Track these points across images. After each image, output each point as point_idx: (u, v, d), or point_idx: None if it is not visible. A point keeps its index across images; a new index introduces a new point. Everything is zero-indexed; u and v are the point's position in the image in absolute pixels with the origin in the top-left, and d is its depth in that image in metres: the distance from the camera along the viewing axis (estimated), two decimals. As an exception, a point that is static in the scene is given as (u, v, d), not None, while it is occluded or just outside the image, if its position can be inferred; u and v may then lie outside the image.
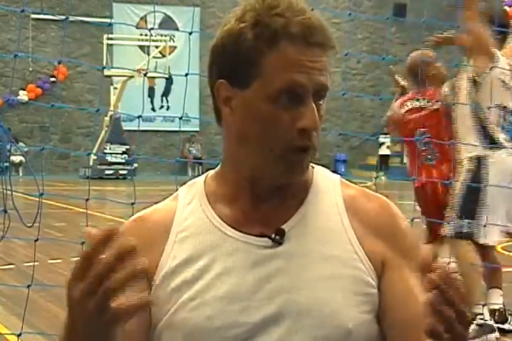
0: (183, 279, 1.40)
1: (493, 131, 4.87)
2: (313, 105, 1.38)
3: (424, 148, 5.75)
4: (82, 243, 4.24)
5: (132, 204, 4.03)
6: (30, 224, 4.68)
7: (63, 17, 22.50)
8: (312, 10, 1.40)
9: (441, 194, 5.75)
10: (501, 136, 4.89)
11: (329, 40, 1.39)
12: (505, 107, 4.91)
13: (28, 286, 4.17)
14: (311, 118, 1.37)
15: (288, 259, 1.39)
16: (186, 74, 4.64)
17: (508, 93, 4.89)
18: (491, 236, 5.00)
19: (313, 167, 1.49)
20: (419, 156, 5.68)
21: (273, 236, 1.40)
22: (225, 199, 1.46)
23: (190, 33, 5.15)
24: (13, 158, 22.36)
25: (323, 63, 1.38)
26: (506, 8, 26.17)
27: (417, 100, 5.81)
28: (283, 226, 1.42)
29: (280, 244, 1.40)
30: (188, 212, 1.47)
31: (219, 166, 1.50)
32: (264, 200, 1.43)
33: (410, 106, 5.82)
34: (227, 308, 1.37)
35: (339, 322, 1.36)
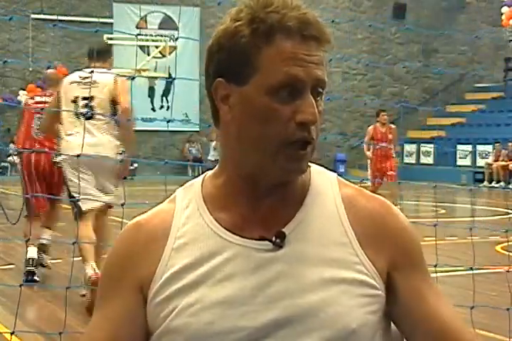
0: (183, 284, 1.39)
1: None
2: (312, 99, 1.37)
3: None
4: (73, 243, 4.23)
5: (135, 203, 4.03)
6: (14, 222, 4.69)
7: (63, 17, 22.50)
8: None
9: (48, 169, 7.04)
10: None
11: (325, 34, 1.39)
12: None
13: (21, 285, 4.16)
14: (310, 112, 1.36)
15: (289, 263, 1.38)
16: (187, 79, 4.63)
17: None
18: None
19: (309, 166, 1.46)
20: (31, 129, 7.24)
21: (273, 239, 1.39)
22: (223, 202, 1.44)
23: (195, 39, 5.14)
24: (12, 158, 22.34)
25: (319, 57, 1.38)
26: (506, 8, 25.98)
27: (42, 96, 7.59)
28: (283, 229, 1.40)
29: (281, 247, 1.39)
30: (186, 217, 1.45)
31: (217, 167, 1.49)
32: (264, 201, 1.42)
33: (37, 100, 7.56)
34: (226, 313, 1.36)
35: (344, 324, 1.36)
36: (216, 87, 1.41)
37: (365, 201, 1.46)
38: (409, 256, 1.44)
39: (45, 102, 7.25)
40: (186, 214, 1.45)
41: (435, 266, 4.04)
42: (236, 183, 1.43)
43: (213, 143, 25.56)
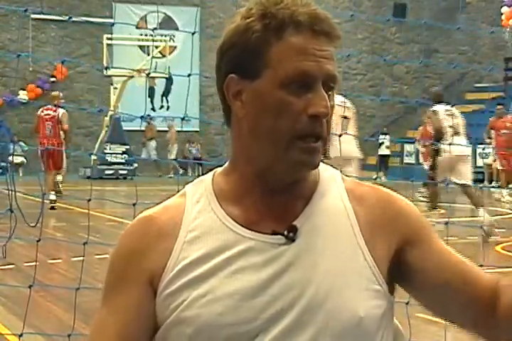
0: (194, 276, 1.40)
1: None
2: (324, 92, 1.39)
3: None
4: (85, 243, 4.24)
5: (134, 204, 4.03)
6: (33, 224, 4.70)
7: (63, 17, 22.48)
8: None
9: None
10: None
11: (335, 29, 1.41)
12: None
13: (30, 286, 4.17)
14: (322, 104, 1.38)
15: (299, 255, 1.40)
16: (189, 75, 4.63)
17: None
18: None
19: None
20: None
21: (286, 233, 1.41)
22: (234, 197, 1.45)
23: (193, 34, 5.16)
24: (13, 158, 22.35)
25: (330, 52, 1.40)
26: (506, 8, 26.04)
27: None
28: (294, 223, 1.42)
29: (293, 240, 1.41)
30: (197, 211, 1.46)
31: (227, 163, 1.50)
32: (276, 196, 1.43)
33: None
34: (237, 304, 1.37)
35: (350, 314, 1.38)
36: (228, 83, 1.42)
37: (367, 189, 1.50)
38: (419, 230, 1.48)
39: (49, 114, 14.19)
40: (197, 209, 1.46)
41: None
42: (249, 180, 1.44)
43: (151, 142, 25.76)
